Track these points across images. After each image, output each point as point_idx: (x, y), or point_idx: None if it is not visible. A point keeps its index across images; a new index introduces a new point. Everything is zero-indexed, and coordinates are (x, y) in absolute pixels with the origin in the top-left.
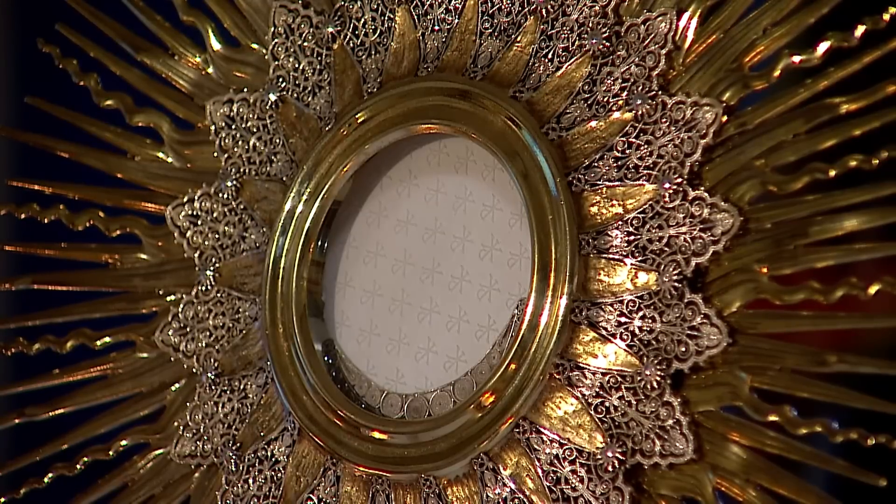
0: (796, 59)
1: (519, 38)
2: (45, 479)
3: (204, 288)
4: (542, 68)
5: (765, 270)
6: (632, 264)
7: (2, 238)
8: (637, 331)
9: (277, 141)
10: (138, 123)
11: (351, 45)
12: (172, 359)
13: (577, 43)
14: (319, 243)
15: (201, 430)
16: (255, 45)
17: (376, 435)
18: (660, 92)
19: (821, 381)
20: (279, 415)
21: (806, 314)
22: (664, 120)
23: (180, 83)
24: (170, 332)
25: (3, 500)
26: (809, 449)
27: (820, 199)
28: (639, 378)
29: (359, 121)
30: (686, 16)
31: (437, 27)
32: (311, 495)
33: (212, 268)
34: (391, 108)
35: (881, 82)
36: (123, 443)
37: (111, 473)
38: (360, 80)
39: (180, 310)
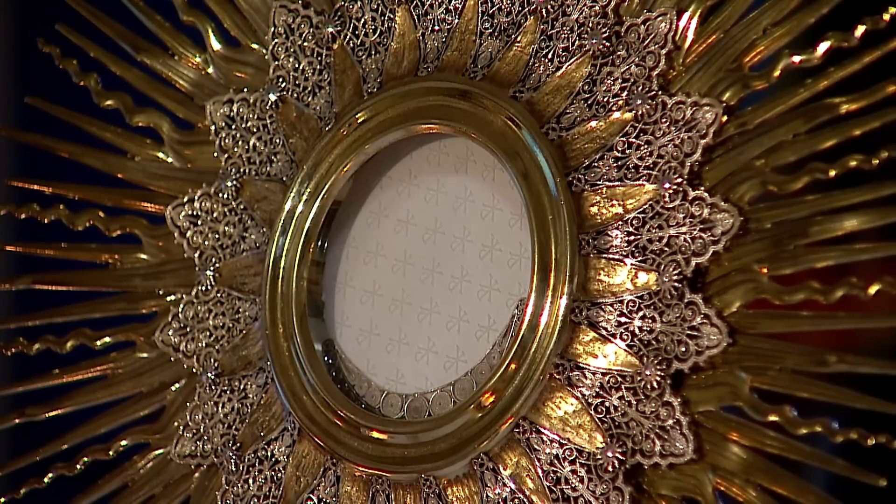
0: (796, 59)
1: (519, 38)
2: (45, 479)
3: (204, 288)
4: (542, 68)
5: (765, 270)
6: (632, 264)
7: (2, 238)
8: (637, 331)
9: (277, 141)
10: (138, 123)
11: (351, 45)
12: (172, 359)
13: (577, 43)
14: (319, 243)
15: (201, 430)
16: (255, 45)
17: (376, 435)
18: (660, 92)
19: (821, 381)
20: (279, 415)
21: (806, 314)
22: (664, 120)
23: (180, 83)
24: (170, 332)
25: (3, 500)
26: (809, 449)
27: (820, 199)
28: (639, 378)
29: (359, 121)
30: (686, 16)
31: (437, 27)
32: (311, 495)
33: (212, 268)
34: (391, 108)
35: (881, 82)
36: (123, 443)
37: (111, 473)
38: (360, 80)
39: (180, 310)
